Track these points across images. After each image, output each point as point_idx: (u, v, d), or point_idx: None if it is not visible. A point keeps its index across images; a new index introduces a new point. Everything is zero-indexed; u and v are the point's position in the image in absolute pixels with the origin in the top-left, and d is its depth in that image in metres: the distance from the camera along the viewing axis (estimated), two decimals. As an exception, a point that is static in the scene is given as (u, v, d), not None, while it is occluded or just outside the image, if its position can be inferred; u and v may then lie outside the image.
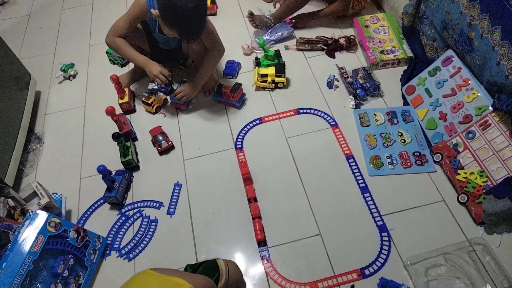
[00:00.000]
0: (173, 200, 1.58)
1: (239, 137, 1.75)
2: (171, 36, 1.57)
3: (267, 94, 1.92)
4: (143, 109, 1.92)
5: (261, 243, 1.42)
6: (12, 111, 1.74)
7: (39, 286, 1.22)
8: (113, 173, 1.60)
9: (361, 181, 1.54)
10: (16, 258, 1.20)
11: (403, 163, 1.56)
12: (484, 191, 1.36)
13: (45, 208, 1.41)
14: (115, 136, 1.59)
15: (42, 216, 1.29)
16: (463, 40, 1.51)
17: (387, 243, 1.37)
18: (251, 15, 2.17)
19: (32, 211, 1.30)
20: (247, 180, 1.57)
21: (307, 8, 2.24)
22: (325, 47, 2.08)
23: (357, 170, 1.58)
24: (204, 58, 1.80)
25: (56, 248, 1.29)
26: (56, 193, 1.58)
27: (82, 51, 2.28)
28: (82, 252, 1.36)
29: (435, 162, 1.55)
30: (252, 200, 1.52)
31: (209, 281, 1.03)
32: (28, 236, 1.25)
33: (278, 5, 2.32)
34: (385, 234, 1.39)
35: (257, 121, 1.81)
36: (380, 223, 1.42)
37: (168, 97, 1.90)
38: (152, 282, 0.94)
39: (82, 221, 1.55)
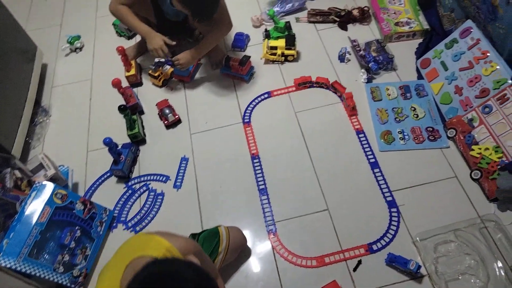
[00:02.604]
0: (180, 174, 1.57)
1: (247, 111, 1.72)
2: (183, 11, 1.52)
3: (277, 67, 1.87)
4: (150, 82, 1.89)
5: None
6: (19, 83, 1.73)
7: (47, 256, 1.23)
8: (120, 146, 1.59)
9: (371, 156, 1.50)
10: (23, 229, 1.21)
11: (416, 138, 1.51)
12: (499, 167, 1.31)
13: (52, 179, 1.41)
14: (121, 109, 1.57)
15: (49, 187, 1.29)
16: (486, 8, 1.43)
17: (396, 218, 1.34)
18: None
19: (38, 183, 1.30)
20: None
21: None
22: (338, 19, 2.00)
23: (367, 145, 1.53)
24: (211, 31, 1.75)
25: (63, 220, 1.29)
26: (62, 165, 1.58)
27: (88, 23, 2.25)
28: (88, 224, 1.37)
29: (448, 137, 1.50)
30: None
31: (193, 243, 1.01)
32: (35, 207, 1.25)
33: None
34: (394, 210, 1.36)
35: (266, 95, 1.76)
36: (389, 198, 1.39)
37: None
38: (139, 239, 0.98)
39: (89, 193, 1.55)
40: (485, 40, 1.49)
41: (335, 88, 1.69)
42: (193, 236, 1.19)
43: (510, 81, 1.37)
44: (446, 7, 1.72)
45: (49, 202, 1.27)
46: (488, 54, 1.47)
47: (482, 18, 1.49)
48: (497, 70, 1.42)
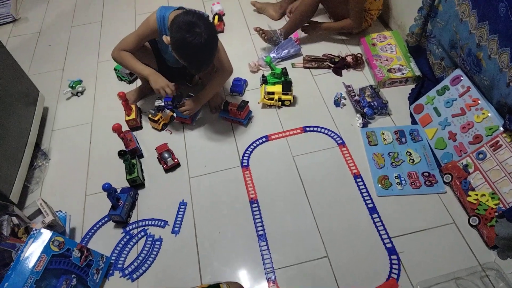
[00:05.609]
0: (178, 218, 1.56)
1: (245, 155, 1.74)
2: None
3: (274, 111, 1.91)
4: (150, 126, 1.92)
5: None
6: (19, 127, 1.75)
7: (41, 307, 1.20)
8: (118, 190, 1.59)
9: (369, 201, 1.51)
10: (18, 278, 1.18)
11: (412, 183, 1.53)
12: (496, 214, 1.32)
13: (49, 226, 1.40)
14: (121, 154, 1.58)
15: (46, 234, 1.28)
16: (471, 60, 1.50)
17: (396, 266, 1.33)
18: (261, 29, 2.17)
19: (36, 230, 1.29)
20: None
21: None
22: (332, 65, 2.07)
23: (365, 190, 1.55)
24: (212, 76, 1.81)
25: (59, 268, 1.27)
26: (60, 210, 1.57)
27: (90, 67, 2.30)
28: (85, 272, 1.34)
29: (445, 183, 1.52)
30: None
31: None
32: (31, 255, 1.23)
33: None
34: (395, 257, 1.35)
35: (264, 139, 1.79)
36: (389, 245, 1.38)
37: (174, 113, 1.90)
38: None
39: (86, 239, 1.53)
40: (475, 88, 1.55)
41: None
42: None
43: (501, 129, 1.41)
44: (436, 55, 1.80)
45: (46, 250, 1.25)
46: (478, 101, 1.52)
47: (468, 69, 1.55)
48: (488, 117, 1.47)
